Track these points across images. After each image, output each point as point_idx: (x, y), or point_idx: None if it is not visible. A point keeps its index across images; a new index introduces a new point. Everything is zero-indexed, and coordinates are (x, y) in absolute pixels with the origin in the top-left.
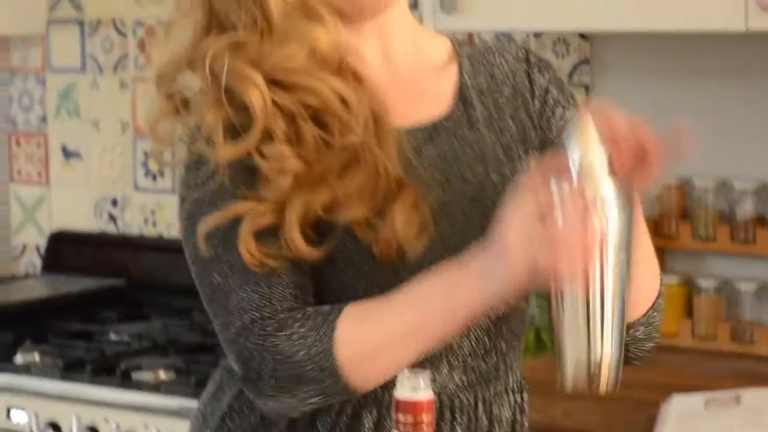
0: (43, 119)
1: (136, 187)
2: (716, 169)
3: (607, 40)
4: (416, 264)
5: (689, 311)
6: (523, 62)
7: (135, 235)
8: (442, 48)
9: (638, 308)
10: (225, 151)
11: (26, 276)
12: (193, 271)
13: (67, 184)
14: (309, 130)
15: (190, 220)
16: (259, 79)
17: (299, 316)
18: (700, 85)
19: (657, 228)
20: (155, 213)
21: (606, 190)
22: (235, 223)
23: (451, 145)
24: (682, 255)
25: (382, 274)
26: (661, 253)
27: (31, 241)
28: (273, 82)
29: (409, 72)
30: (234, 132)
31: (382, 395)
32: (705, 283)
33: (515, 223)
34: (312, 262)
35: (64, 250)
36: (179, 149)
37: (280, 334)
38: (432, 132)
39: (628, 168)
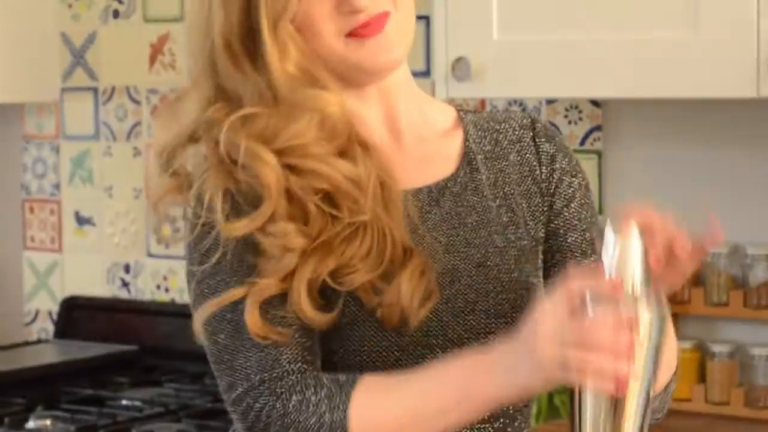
0: (57, 186)
1: (149, 254)
2: (729, 235)
3: (619, 106)
4: (420, 329)
5: (702, 376)
6: (529, 129)
7: (147, 301)
8: (447, 115)
9: (658, 386)
10: (234, 229)
11: (38, 342)
12: (201, 334)
13: (80, 250)
14: (316, 208)
15: (198, 296)
16: (272, 159)
17: (312, 382)
18: (713, 152)
19: (670, 294)
20: (167, 279)
21: (641, 290)
22: (242, 298)
23: (456, 208)
24: (695, 320)
25: (387, 337)
26: (674, 318)
27: (43, 307)
28: (283, 164)
29: (414, 136)
30: (237, 207)
31: None
32: (718, 348)
33: (547, 320)
34: (321, 328)
35: (77, 315)
36: (183, 225)
37: (291, 397)
38: (437, 194)
39: (662, 264)
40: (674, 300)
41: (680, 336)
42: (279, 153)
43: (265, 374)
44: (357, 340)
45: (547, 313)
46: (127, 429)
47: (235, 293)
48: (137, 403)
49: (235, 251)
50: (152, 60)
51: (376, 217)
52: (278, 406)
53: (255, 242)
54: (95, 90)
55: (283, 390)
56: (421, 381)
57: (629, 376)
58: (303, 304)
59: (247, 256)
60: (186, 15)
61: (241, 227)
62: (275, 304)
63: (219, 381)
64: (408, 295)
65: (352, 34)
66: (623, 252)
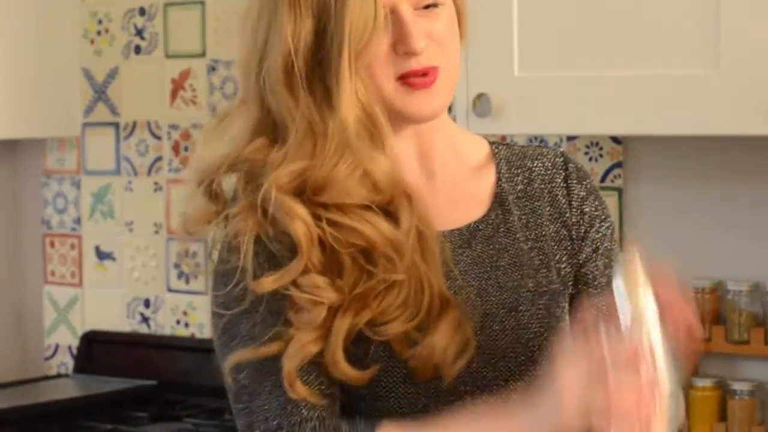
0: (78, 221)
1: (169, 288)
2: (749, 273)
3: (639, 143)
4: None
5: (723, 415)
6: (561, 170)
7: (167, 336)
8: (480, 149)
9: None
10: (262, 285)
11: (58, 376)
12: (226, 374)
13: (100, 284)
14: (351, 261)
15: (225, 340)
16: (304, 214)
17: (332, 429)
18: (734, 189)
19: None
20: (187, 314)
21: (655, 336)
22: (274, 357)
23: (488, 250)
24: (715, 358)
25: (416, 385)
26: (695, 356)
27: (63, 341)
28: (323, 216)
29: (446, 176)
30: (269, 253)
31: None
32: (739, 386)
33: (568, 370)
34: (357, 384)
35: (97, 350)
36: (209, 261)
37: None
38: (469, 236)
39: (675, 314)
40: (695, 338)
41: (701, 374)
42: (322, 206)
43: (284, 419)
44: (385, 386)
45: (572, 377)
46: None
47: (270, 348)
48: None
49: (266, 303)
50: (173, 95)
51: (414, 266)
52: None
53: (285, 294)
54: (116, 125)
55: None
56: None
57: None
58: (340, 363)
59: (276, 307)
60: (239, 29)
61: (269, 283)
62: (311, 365)
63: (237, 420)
64: (442, 350)
65: (403, 79)
66: (640, 316)
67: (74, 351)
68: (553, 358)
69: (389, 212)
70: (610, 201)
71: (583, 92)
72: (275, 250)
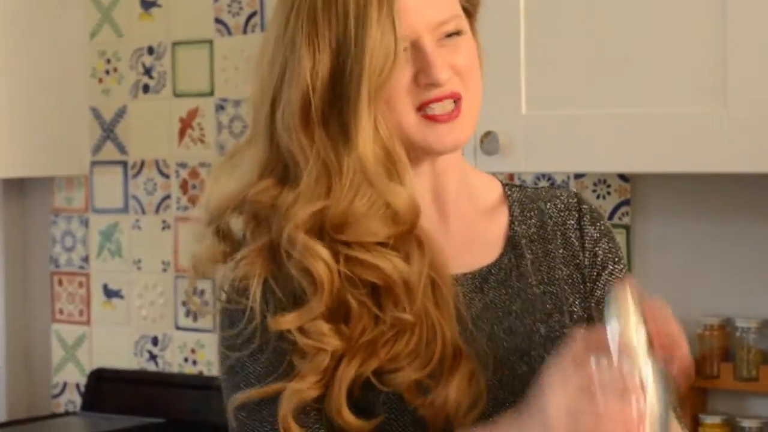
0: (86, 259)
1: (177, 326)
2: (758, 310)
3: (647, 181)
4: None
5: None
6: (575, 211)
7: (175, 374)
8: (493, 190)
9: None
10: (282, 323)
11: (66, 414)
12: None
13: (108, 322)
14: (358, 305)
15: (231, 384)
16: (327, 256)
17: None
18: (742, 226)
19: (699, 369)
20: (195, 351)
21: (645, 368)
22: (275, 398)
23: (500, 294)
24: (724, 395)
25: (425, 428)
26: (704, 393)
27: (71, 379)
28: (341, 254)
29: (460, 218)
30: (274, 296)
31: None
32: (748, 423)
33: (557, 396)
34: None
35: (105, 388)
36: (215, 301)
37: None
38: (481, 281)
39: (665, 345)
40: (703, 375)
41: (709, 411)
42: (342, 243)
43: None
44: (395, 428)
45: (557, 388)
46: None
47: (270, 389)
48: None
49: (272, 346)
50: (181, 134)
51: (426, 314)
52: None
53: (291, 339)
54: (125, 163)
55: None
56: None
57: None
58: (343, 410)
59: (282, 350)
60: (253, 66)
61: (288, 321)
62: (311, 410)
63: None
64: (455, 403)
65: (424, 110)
66: (631, 347)
67: (82, 389)
68: (544, 383)
69: (402, 252)
70: (618, 238)
71: (590, 130)
72: (280, 291)
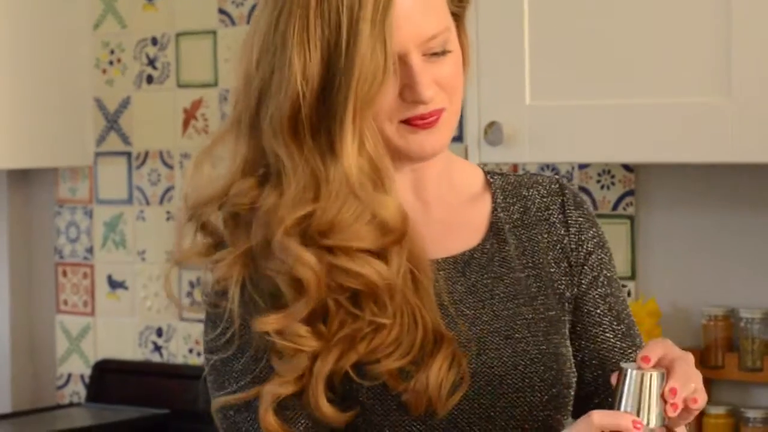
0: (90, 250)
1: (181, 317)
2: (762, 300)
3: (651, 171)
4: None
5: None
6: (558, 196)
7: (179, 365)
8: (475, 179)
9: None
10: (265, 323)
11: (71, 405)
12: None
13: (113, 313)
14: (336, 305)
15: (212, 383)
16: (313, 261)
17: None
18: (746, 217)
19: (703, 359)
20: (199, 342)
21: None
22: (255, 398)
23: (483, 278)
24: (728, 386)
25: (410, 423)
26: (708, 384)
27: (75, 370)
28: (324, 260)
29: (441, 205)
30: (250, 298)
31: None
32: (752, 414)
33: None
34: (338, 426)
35: (109, 379)
36: (203, 296)
37: None
38: (463, 265)
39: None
40: (708, 365)
41: (714, 401)
42: (327, 249)
43: None
44: (380, 414)
45: None
46: None
47: (249, 392)
48: None
49: (252, 347)
50: (185, 125)
51: (406, 302)
52: None
53: (269, 340)
54: (128, 154)
55: None
56: None
57: None
58: (321, 404)
59: (262, 354)
60: (239, 57)
61: (269, 323)
62: (291, 404)
63: None
64: (436, 386)
65: (406, 122)
66: (642, 396)
67: (86, 380)
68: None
69: (380, 251)
70: (622, 229)
71: (594, 120)
72: (256, 293)
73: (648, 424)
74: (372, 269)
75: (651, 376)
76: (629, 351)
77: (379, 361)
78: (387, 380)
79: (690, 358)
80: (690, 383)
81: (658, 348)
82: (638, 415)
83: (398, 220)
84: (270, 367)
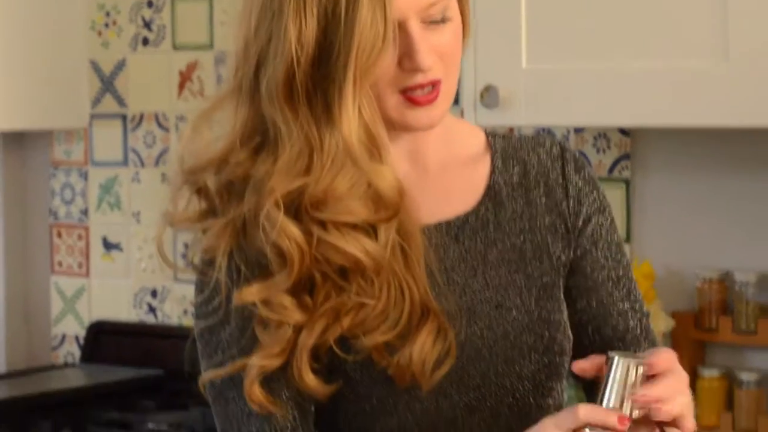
0: (85, 212)
1: (176, 279)
2: (757, 263)
3: (647, 135)
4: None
5: (730, 404)
6: (559, 159)
7: (174, 326)
8: (475, 141)
9: None
10: (246, 295)
11: (65, 366)
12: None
13: (108, 275)
14: (322, 278)
15: (200, 350)
16: (298, 235)
17: None
18: (741, 180)
19: (698, 322)
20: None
21: None
22: (241, 372)
23: (476, 244)
24: (722, 348)
25: (397, 394)
26: (702, 346)
27: (70, 331)
28: (314, 234)
29: (438, 169)
30: (237, 269)
31: None
32: (746, 376)
33: None
34: (323, 398)
35: (103, 340)
36: (194, 260)
37: None
38: (457, 230)
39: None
40: (702, 328)
41: (708, 364)
42: (318, 222)
43: (255, 429)
44: (366, 386)
45: (549, 427)
46: None
47: (236, 365)
48: (163, 427)
49: (237, 317)
50: (181, 87)
51: (394, 275)
52: None
53: (254, 311)
54: (124, 117)
55: None
56: None
57: None
58: (305, 376)
59: (247, 324)
60: (236, 33)
61: (252, 293)
62: (276, 376)
63: (216, 421)
64: (420, 361)
65: (406, 94)
66: (626, 386)
67: (81, 341)
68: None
69: (372, 225)
70: (618, 193)
71: (590, 84)
72: (243, 263)
73: (631, 414)
74: (361, 247)
75: (637, 366)
76: (629, 316)
77: (364, 334)
78: (372, 354)
79: (684, 376)
80: (670, 397)
81: (659, 359)
82: (621, 404)
83: (394, 193)
84: (255, 338)
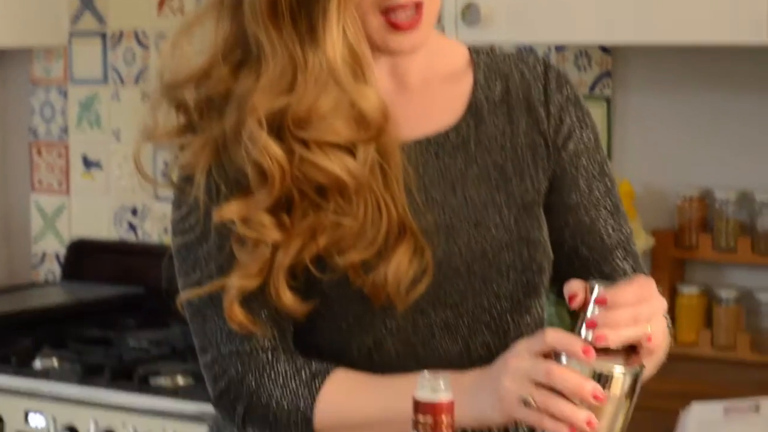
0: (65, 130)
1: (156, 197)
2: (737, 181)
3: (629, 53)
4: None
5: (709, 321)
6: (541, 76)
7: (154, 244)
8: (458, 56)
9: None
10: (225, 212)
11: (46, 283)
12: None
13: (88, 193)
14: (299, 198)
15: (177, 267)
16: (280, 154)
17: (285, 365)
18: (722, 98)
19: (677, 240)
20: None
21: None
22: (220, 292)
23: (456, 161)
24: (702, 266)
25: (373, 312)
26: (682, 263)
27: (50, 249)
28: (296, 152)
29: (420, 85)
30: (215, 186)
31: None
32: (725, 293)
33: (518, 357)
34: (300, 316)
35: (84, 258)
36: (173, 175)
37: (263, 376)
38: (437, 147)
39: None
40: (682, 246)
41: (687, 281)
42: (300, 141)
43: (234, 347)
44: (343, 303)
45: (521, 350)
46: (133, 369)
47: (214, 285)
48: (144, 344)
49: (215, 235)
50: (161, 4)
51: (372, 193)
52: (247, 382)
53: (232, 229)
54: (103, 35)
55: (254, 367)
56: (390, 388)
57: (586, 426)
58: (282, 294)
59: (225, 242)
60: None
61: (232, 211)
62: (255, 296)
63: (194, 339)
64: (395, 282)
65: (389, 17)
66: (606, 315)
67: (61, 259)
68: (509, 356)
69: (352, 145)
70: (599, 111)
71: (572, 1)
72: (222, 180)
73: (606, 341)
74: (342, 165)
75: (603, 290)
76: (611, 234)
77: (340, 253)
78: (349, 273)
79: (662, 303)
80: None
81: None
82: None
83: (378, 114)
84: (233, 257)
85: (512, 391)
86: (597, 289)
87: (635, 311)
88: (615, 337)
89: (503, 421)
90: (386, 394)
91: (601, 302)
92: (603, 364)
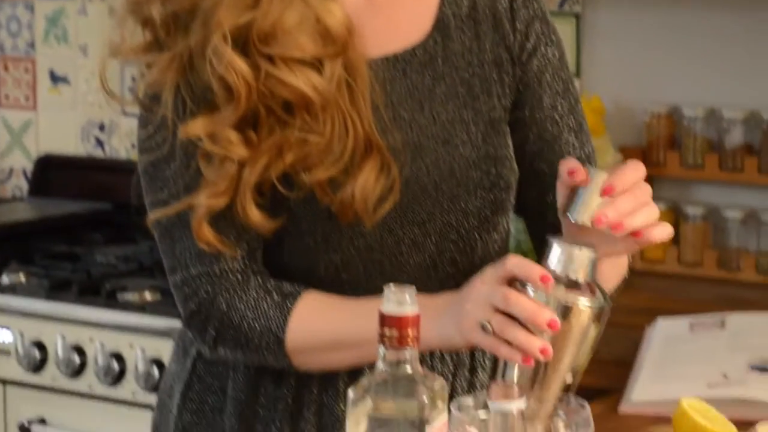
0: (31, 44)
1: (124, 113)
2: (705, 98)
3: None
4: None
5: (676, 238)
6: None
7: (122, 160)
8: None
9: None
10: (191, 128)
11: (13, 199)
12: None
13: (55, 108)
14: (266, 114)
15: (144, 185)
16: (246, 70)
17: (256, 286)
18: (691, 15)
19: (645, 157)
20: None
21: (581, 280)
22: (188, 210)
23: (424, 78)
24: (669, 183)
25: (340, 230)
26: (649, 181)
27: (17, 164)
28: (262, 68)
29: (386, 0)
30: (183, 103)
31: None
32: (692, 210)
33: (482, 284)
34: (268, 233)
35: (51, 174)
36: (138, 92)
37: (234, 297)
38: (404, 64)
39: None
40: (650, 163)
41: (655, 198)
42: (265, 56)
43: (204, 268)
44: (310, 220)
45: (487, 275)
46: (101, 284)
47: (182, 203)
48: (111, 260)
49: (181, 153)
50: None
51: (339, 110)
52: (217, 302)
53: (199, 146)
54: None
55: (225, 289)
56: (360, 309)
57: (539, 354)
58: (249, 211)
59: (192, 160)
60: None
61: (198, 127)
62: (223, 215)
63: (163, 259)
64: (362, 199)
65: None
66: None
67: (29, 174)
68: (475, 283)
69: (318, 60)
70: (568, 27)
71: None
72: (189, 97)
73: (581, 221)
74: (308, 81)
75: (598, 174)
76: (574, 150)
77: (307, 170)
78: (315, 190)
79: (647, 189)
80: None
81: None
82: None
83: (342, 29)
84: (200, 174)
85: (472, 315)
86: (599, 175)
87: (636, 197)
88: (630, 222)
89: (464, 345)
90: (356, 314)
91: (608, 192)
92: (568, 296)
